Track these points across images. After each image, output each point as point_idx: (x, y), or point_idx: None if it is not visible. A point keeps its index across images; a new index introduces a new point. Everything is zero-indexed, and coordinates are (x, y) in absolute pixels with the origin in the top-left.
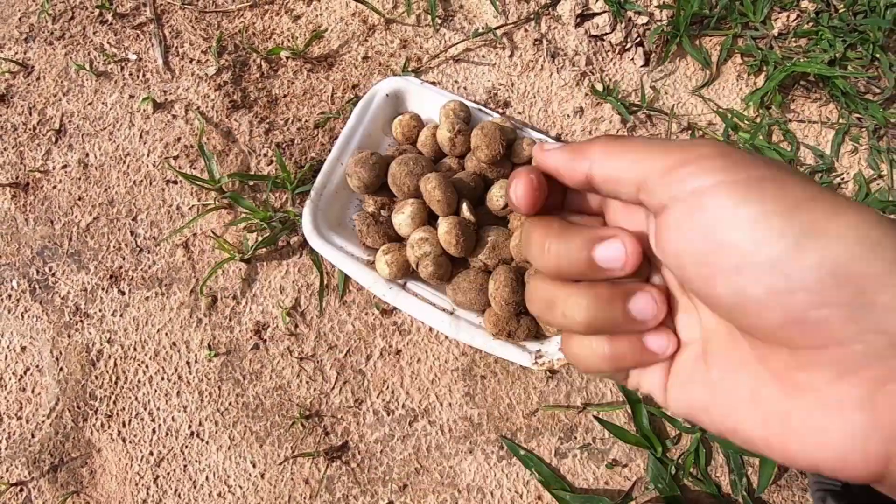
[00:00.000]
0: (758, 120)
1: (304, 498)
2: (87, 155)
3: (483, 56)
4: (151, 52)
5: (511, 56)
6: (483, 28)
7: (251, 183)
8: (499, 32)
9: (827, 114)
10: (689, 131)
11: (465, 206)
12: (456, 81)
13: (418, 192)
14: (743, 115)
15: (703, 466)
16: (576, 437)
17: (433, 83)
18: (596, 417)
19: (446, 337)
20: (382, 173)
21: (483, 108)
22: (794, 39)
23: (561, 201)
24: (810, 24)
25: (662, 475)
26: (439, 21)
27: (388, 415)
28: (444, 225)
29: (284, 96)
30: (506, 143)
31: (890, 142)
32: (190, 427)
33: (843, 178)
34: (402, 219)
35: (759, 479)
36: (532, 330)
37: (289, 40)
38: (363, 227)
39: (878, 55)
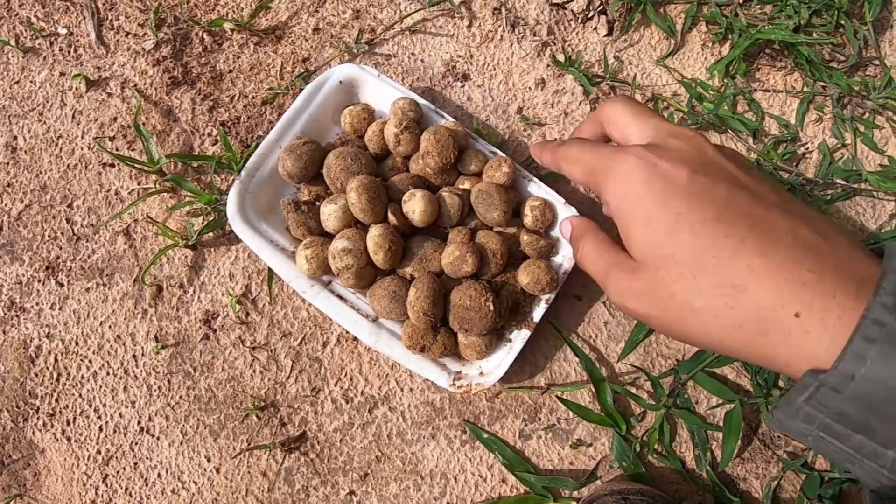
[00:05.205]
0: (722, 90)
1: (262, 491)
2: (16, 138)
3: (440, 27)
4: (83, 26)
5: (469, 26)
6: None
7: (194, 164)
8: (456, 1)
9: (792, 83)
10: (653, 102)
11: (391, 213)
12: (413, 54)
13: None
14: (707, 85)
15: (667, 443)
16: (540, 419)
17: (389, 56)
18: (559, 398)
19: None
20: (313, 164)
21: (438, 111)
22: (759, 6)
23: None
24: None
25: (627, 453)
26: None
27: (347, 403)
28: (375, 230)
29: (229, 72)
30: (457, 150)
31: (854, 110)
32: (139, 423)
33: (807, 148)
34: (332, 210)
35: (723, 453)
36: (449, 347)
37: (233, 11)
38: (287, 215)
39: (842, 21)
